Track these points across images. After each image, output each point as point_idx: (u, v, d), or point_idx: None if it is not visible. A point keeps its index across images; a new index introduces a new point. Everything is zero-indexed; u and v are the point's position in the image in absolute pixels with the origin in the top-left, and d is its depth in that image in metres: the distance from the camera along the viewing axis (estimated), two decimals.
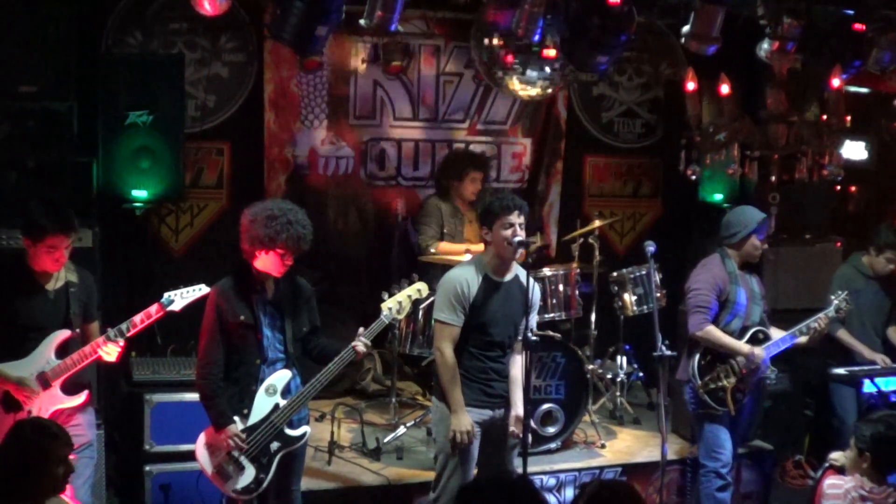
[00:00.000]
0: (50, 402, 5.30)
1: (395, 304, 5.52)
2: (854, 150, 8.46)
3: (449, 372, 5.53)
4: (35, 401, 5.27)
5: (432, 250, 7.79)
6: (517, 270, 5.67)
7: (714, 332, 6.31)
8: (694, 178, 7.30)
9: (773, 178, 7.62)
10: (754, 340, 6.39)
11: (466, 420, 5.51)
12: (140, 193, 6.92)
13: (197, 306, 5.45)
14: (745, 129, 6.98)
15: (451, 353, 5.54)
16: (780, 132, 6.99)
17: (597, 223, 7.97)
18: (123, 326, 5.36)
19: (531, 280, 5.55)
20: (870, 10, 7.08)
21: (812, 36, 6.90)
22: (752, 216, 6.43)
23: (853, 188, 9.15)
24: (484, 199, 8.03)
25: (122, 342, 5.35)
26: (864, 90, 8.28)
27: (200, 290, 5.45)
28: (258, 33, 7.90)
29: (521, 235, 5.49)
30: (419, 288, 5.66)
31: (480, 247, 6.51)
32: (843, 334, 7.32)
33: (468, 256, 6.99)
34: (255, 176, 8.15)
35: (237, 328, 5.28)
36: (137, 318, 5.39)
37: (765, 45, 6.90)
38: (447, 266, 6.56)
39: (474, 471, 5.69)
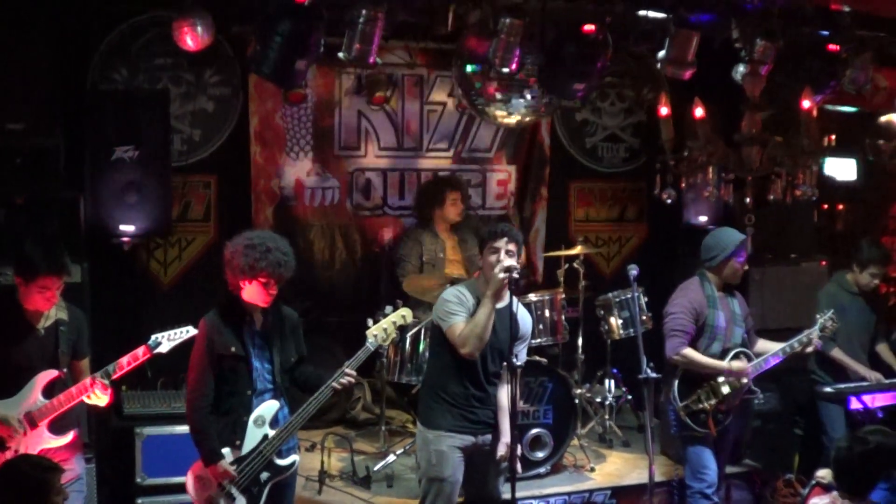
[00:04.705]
0: (36, 442, 5.29)
1: (380, 332, 5.50)
2: (842, 169, 8.52)
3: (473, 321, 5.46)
4: (21, 440, 5.25)
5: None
6: (510, 299, 5.57)
7: (692, 354, 6.32)
8: (669, 201, 7.32)
9: (749, 200, 7.66)
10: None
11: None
12: (128, 228, 6.95)
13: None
14: (718, 151, 7.04)
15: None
16: (753, 154, 7.04)
17: (579, 249, 7.98)
18: (110, 368, 5.33)
19: (522, 310, 5.55)
20: (843, 32, 7.17)
21: (787, 58, 6.99)
22: (731, 238, 6.43)
23: (841, 207, 9.20)
24: (471, 223, 8.11)
25: (107, 383, 5.31)
26: (850, 109, 8.35)
27: (188, 331, 5.40)
28: (242, 67, 7.96)
29: (505, 261, 5.46)
30: (403, 314, 5.63)
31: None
32: (837, 353, 7.33)
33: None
34: (242, 208, 8.20)
35: (228, 360, 5.27)
36: (124, 360, 5.36)
37: (741, 68, 6.97)
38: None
39: (459, 497, 5.69)
